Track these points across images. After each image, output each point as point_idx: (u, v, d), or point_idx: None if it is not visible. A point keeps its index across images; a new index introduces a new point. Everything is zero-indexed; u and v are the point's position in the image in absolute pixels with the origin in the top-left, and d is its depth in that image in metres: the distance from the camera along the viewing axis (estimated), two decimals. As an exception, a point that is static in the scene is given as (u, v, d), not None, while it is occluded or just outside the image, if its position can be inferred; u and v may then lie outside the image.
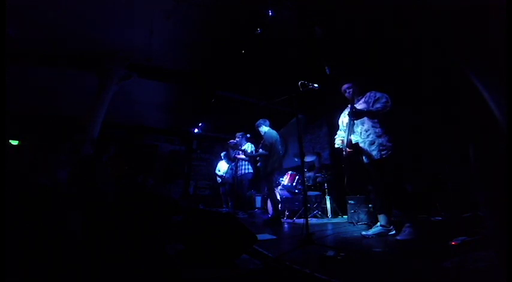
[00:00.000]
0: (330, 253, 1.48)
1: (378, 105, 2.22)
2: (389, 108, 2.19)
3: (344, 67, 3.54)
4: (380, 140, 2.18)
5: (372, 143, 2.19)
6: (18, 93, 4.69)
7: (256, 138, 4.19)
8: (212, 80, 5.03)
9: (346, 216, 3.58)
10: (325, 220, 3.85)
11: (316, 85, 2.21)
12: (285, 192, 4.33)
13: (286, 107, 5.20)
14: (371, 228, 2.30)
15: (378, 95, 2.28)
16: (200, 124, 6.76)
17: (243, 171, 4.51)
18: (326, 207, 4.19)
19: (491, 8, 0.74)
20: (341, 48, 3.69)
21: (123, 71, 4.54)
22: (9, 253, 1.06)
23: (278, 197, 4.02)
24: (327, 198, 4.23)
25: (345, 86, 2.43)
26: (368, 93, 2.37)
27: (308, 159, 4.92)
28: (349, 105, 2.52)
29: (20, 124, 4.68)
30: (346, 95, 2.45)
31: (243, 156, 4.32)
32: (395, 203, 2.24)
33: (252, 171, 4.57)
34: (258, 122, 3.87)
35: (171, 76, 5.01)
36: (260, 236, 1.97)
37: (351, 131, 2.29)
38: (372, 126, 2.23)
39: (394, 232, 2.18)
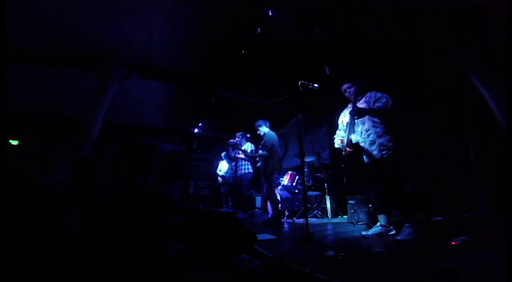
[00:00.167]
0: (330, 253, 1.48)
1: (378, 104, 2.22)
2: (390, 107, 2.20)
3: (344, 67, 3.54)
4: (381, 140, 2.18)
5: (372, 143, 2.19)
6: (18, 93, 4.69)
7: (256, 138, 4.19)
8: (212, 80, 5.03)
9: (346, 216, 3.58)
10: (325, 220, 3.84)
11: (316, 85, 2.21)
12: (285, 192, 4.33)
13: (286, 107, 5.21)
14: (371, 228, 2.30)
15: (379, 94, 2.29)
16: (200, 124, 6.76)
17: (243, 171, 4.51)
18: (326, 207, 4.19)
19: (491, 8, 0.74)
20: (341, 48, 3.69)
21: (123, 71, 4.54)
22: (9, 253, 1.06)
23: (278, 197, 4.03)
24: (327, 198, 4.23)
25: (345, 85, 2.43)
26: (368, 93, 2.37)
27: (307, 159, 4.93)
28: (349, 105, 2.53)
29: (20, 124, 4.68)
30: (346, 94, 2.45)
31: (243, 156, 4.32)
32: (395, 203, 2.24)
33: (252, 171, 4.57)
34: (258, 123, 3.86)
35: (171, 76, 5.01)
36: (260, 236, 1.97)
37: (352, 131, 2.29)
38: (373, 126, 2.23)
39: (394, 232, 2.18)
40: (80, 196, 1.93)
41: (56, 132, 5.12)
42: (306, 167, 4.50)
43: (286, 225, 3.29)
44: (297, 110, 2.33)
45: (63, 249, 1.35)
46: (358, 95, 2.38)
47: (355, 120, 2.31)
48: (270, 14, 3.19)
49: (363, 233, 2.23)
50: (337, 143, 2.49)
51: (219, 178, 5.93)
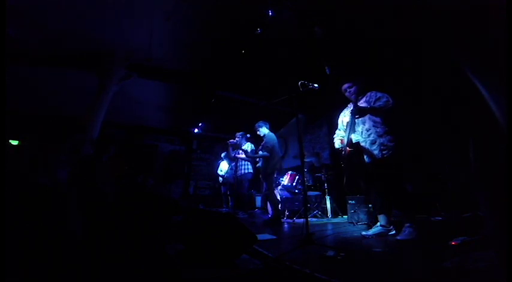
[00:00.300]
0: (330, 253, 1.48)
1: (379, 103, 2.23)
2: (391, 106, 2.20)
3: (344, 67, 3.54)
4: (381, 140, 2.18)
5: (373, 143, 2.19)
6: (18, 93, 4.69)
7: (256, 138, 4.19)
8: (212, 80, 5.03)
9: (346, 216, 3.58)
10: (325, 220, 3.85)
11: (316, 85, 2.21)
12: (285, 192, 4.33)
13: (286, 107, 5.20)
14: (371, 228, 2.30)
15: (379, 94, 2.29)
16: (200, 124, 6.75)
17: (242, 171, 4.51)
18: (326, 207, 4.19)
19: (491, 8, 0.74)
20: (341, 48, 3.69)
21: (123, 71, 4.54)
22: (9, 253, 1.06)
23: (278, 197, 4.03)
24: (327, 198, 4.23)
25: (345, 85, 2.43)
26: (369, 93, 2.37)
27: (307, 159, 4.93)
28: (349, 105, 2.53)
29: (20, 124, 4.68)
30: (347, 94, 2.45)
31: (243, 156, 4.32)
32: (395, 203, 2.24)
33: (251, 171, 4.58)
34: (258, 124, 3.87)
35: (171, 76, 5.01)
36: (260, 236, 1.97)
37: (352, 130, 2.29)
38: (373, 126, 2.23)
39: (394, 232, 2.18)
40: (80, 196, 1.93)
41: (56, 132, 5.12)
42: (306, 167, 4.51)
43: (286, 225, 3.29)
44: (297, 110, 2.33)
45: (63, 249, 1.35)
46: (359, 94, 2.38)
47: (356, 120, 2.30)
48: (270, 14, 3.19)
49: (363, 233, 2.23)
50: (337, 143, 2.49)
51: (220, 178, 5.94)
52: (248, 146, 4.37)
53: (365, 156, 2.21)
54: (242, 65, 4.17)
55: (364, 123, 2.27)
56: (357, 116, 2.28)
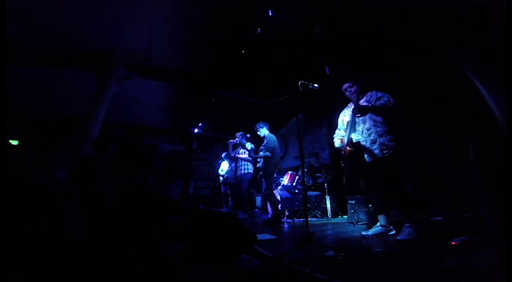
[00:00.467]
0: (330, 253, 1.48)
1: (380, 102, 2.23)
2: (392, 105, 2.20)
3: (344, 67, 3.54)
4: (382, 139, 2.17)
5: (373, 142, 2.19)
6: (18, 93, 4.69)
7: (256, 138, 4.20)
8: (212, 80, 5.03)
9: (346, 216, 3.58)
10: (325, 220, 3.85)
11: (316, 85, 2.21)
12: (285, 192, 4.33)
13: (286, 107, 5.20)
14: (371, 228, 2.30)
15: (379, 94, 2.29)
16: (200, 124, 6.75)
17: (242, 171, 4.51)
18: (326, 207, 4.19)
19: (491, 8, 0.74)
20: (341, 48, 3.69)
21: (123, 71, 4.54)
22: (9, 253, 1.06)
23: (278, 197, 4.03)
24: (327, 198, 4.23)
25: (346, 85, 2.42)
26: (369, 93, 2.37)
27: (307, 159, 4.94)
28: (349, 104, 2.53)
29: (20, 124, 4.68)
30: (347, 93, 2.44)
31: (243, 156, 4.33)
32: (395, 203, 2.24)
33: (251, 171, 4.58)
34: (258, 124, 3.88)
35: (171, 76, 5.01)
36: (260, 236, 1.97)
37: (352, 130, 2.29)
38: (374, 125, 2.23)
39: (394, 232, 2.18)
40: (80, 196, 1.93)
41: (56, 132, 5.12)
42: (305, 167, 4.51)
43: (286, 225, 3.29)
44: (297, 110, 2.33)
45: (63, 249, 1.35)
46: (359, 94, 2.38)
47: (356, 119, 2.30)
48: (270, 14, 3.19)
49: (363, 233, 2.23)
50: (337, 143, 2.49)
51: (221, 178, 5.94)
52: (248, 146, 4.38)
53: (365, 156, 2.20)
54: (242, 65, 4.16)
55: (364, 122, 2.27)
56: (358, 115, 2.28)
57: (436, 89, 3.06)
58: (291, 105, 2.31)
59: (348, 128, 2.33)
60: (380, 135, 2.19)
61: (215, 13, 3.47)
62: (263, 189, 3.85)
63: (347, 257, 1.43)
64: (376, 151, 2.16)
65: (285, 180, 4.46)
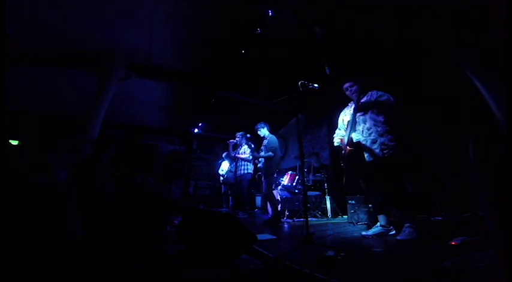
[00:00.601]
0: (330, 253, 1.47)
1: (380, 99, 2.24)
2: (392, 103, 2.22)
3: (344, 67, 3.54)
4: (382, 139, 2.17)
5: (374, 142, 2.19)
6: (18, 93, 4.69)
7: (256, 138, 4.20)
8: (212, 80, 5.03)
9: (346, 216, 3.58)
10: (325, 220, 3.85)
11: (316, 85, 2.21)
12: (285, 192, 4.33)
13: (286, 107, 5.20)
14: (371, 228, 2.30)
15: (380, 93, 2.31)
16: (200, 124, 6.75)
17: (242, 171, 4.51)
18: (326, 207, 4.19)
19: (491, 8, 0.74)
20: (341, 48, 3.69)
21: (123, 71, 4.54)
22: (9, 253, 1.06)
23: (278, 197, 4.03)
24: (327, 198, 4.23)
25: (347, 84, 2.42)
26: (370, 92, 2.37)
27: (307, 159, 4.94)
28: (349, 104, 2.53)
29: (20, 124, 4.68)
30: (348, 93, 2.44)
31: (243, 156, 4.33)
32: (395, 203, 2.24)
33: (251, 171, 4.58)
34: (259, 124, 3.89)
35: (171, 76, 5.01)
36: (260, 236, 1.97)
37: (353, 129, 2.29)
38: (374, 125, 2.23)
39: (394, 232, 2.18)
40: (80, 196, 1.93)
41: (56, 132, 5.12)
42: (305, 167, 4.51)
43: (286, 225, 3.29)
44: (297, 110, 2.33)
45: (63, 249, 1.35)
46: (360, 93, 2.38)
47: (357, 119, 2.30)
48: (270, 14, 3.19)
49: (363, 233, 2.23)
50: (336, 142, 2.49)
51: (221, 177, 5.95)
52: (248, 146, 4.38)
53: (366, 155, 2.20)
54: (242, 65, 4.16)
55: (365, 122, 2.27)
56: (359, 114, 2.29)
57: (436, 89, 3.06)
58: (291, 105, 2.31)
59: (348, 128, 2.33)
60: (380, 135, 2.19)
61: (215, 13, 3.47)
62: (263, 189, 3.86)
63: (347, 257, 1.43)
64: (377, 151, 2.15)
65: (285, 180, 4.46)
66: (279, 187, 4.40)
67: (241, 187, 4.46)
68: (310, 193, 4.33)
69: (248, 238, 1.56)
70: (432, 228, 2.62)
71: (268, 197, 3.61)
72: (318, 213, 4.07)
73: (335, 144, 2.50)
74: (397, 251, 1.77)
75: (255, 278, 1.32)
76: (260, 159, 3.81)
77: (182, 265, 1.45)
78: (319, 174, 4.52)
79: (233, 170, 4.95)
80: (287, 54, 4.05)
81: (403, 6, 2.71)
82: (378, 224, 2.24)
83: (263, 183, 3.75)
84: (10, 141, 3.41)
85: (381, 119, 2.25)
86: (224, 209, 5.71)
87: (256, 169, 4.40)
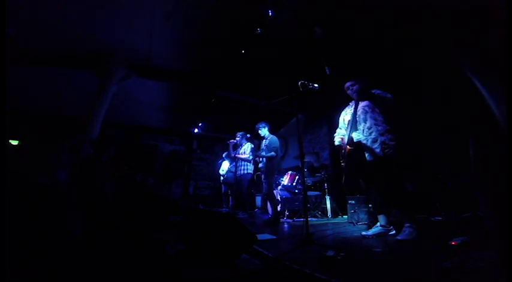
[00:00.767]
0: (330, 253, 1.47)
1: (377, 94, 2.27)
2: (390, 99, 2.24)
3: (344, 67, 3.54)
4: (383, 138, 2.17)
5: (374, 141, 2.19)
6: (18, 93, 4.69)
7: (256, 138, 4.20)
8: (212, 80, 5.03)
9: (346, 216, 3.58)
10: (325, 220, 3.85)
11: (316, 85, 2.21)
12: (285, 192, 4.33)
13: (286, 107, 5.20)
14: (371, 228, 2.30)
15: (378, 91, 2.33)
16: (200, 124, 6.75)
17: (242, 171, 4.51)
18: (326, 207, 4.19)
19: (491, 8, 0.74)
20: (341, 48, 3.69)
21: (123, 71, 4.54)
22: (9, 253, 1.06)
23: (278, 197, 4.03)
24: (327, 198, 4.23)
25: (348, 83, 2.42)
26: (371, 91, 2.38)
27: (307, 159, 4.94)
28: (350, 103, 2.53)
29: (20, 124, 4.68)
30: (349, 92, 2.44)
31: (243, 156, 4.33)
32: (395, 203, 2.24)
33: (251, 171, 4.58)
34: (261, 124, 3.90)
35: (171, 76, 5.01)
36: (260, 236, 1.97)
37: (353, 129, 2.29)
38: (375, 124, 2.23)
39: (394, 232, 2.17)
40: (80, 196, 1.93)
41: (56, 132, 5.12)
42: (305, 167, 4.51)
43: (286, 225, 3.29)
44: (297, 110, 2.33)
45: (63, 249, 1.35)
46: (361, 93, 2.38)
47: (357, 118, 2.31)
48: (270, 14, 3.19)
49: (363, 233, 2.23)
50: (337, 141, 2.48)
51: (221, 177, 5.95)
52: (248, 146, 4.38)
53: (366, 155, 2.20)
54: (242, 65, 4.16)
55: (365, 121, 2.27)
56: (359, 113, 2.30)
57: (436, 88, 3.06)
58: (291, 105, 2.31)
59: (349, 127, 2.33)
60: (381, 134, 2.19)
61: (215, 13, 3.47)
62: (263, 189, 3.86)
63: (347, 257, 1.43)
64: (377, 150, 2.15)
65: (285, 180, 4.46)
66: (279, 187, 4.40)
67: (241, 187, 4.46)
68: (310, 193, 4.33)
69: (248, 238, 1.56)
70: (432, 228, 2.62)
71: (269, 197, 3.61)
72: (318, 213, 4.07)
73: (336, 143, 2.50)
74: (397, 251, 1.77)
75: (255, 278, 1.32)
76: (261, 159, 3.82)
77: (182, 265, 1.45)
78: (319, 174, 4.51)
79: (233, 170, 4.95)
80: (287, 54, 4.05)
81: (403, 6, 2.71)
82: (378, 224, 2.24)
83: (263, 183, 3.75)
84: (10, 141, 3.41)
85: (381, 118, 2.25)
86: (224, 209, 5.70)
87: (256, 169, 4.40)
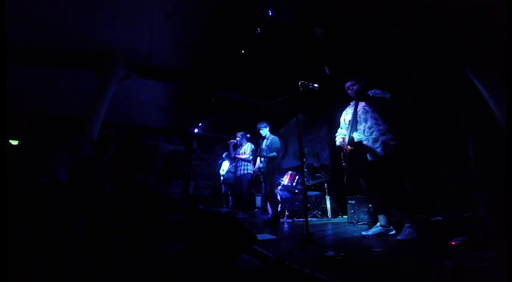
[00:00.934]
0: (330, 253, 1.47)
1: (376, 95, 2.26)
2: (390, 100, 2.23)
3: (344, 67, 3.54)
4: (384, 138, 2.17)
5: (375, 141, 2.18)
6: (18, 93, 4.69)
7: (256, 138, 4.20)
8: (212, 80, 5.03)
9: (346, 216, 3.58)
10: (325, 220, 3.85)
11: (316, 85, 2.21)
12: (285, 192, 4.32)
13: (286, 107, 5.20)
14: (371, 228, 2.30)
15: (378, 91, 2.33)
16: (200, 124, 6.75)
17: (242, 171, 4.52)
18: (326, 207, 4.19)
19: (491, 8, 0.74)
20: (341, 48, 3.69)
21: (123, 71, 4.54)
22: (9, 253, 1.06)
23: (278, 197, 4.03)
24: (327, 198, 4.23)
25: (348, 83, 2.42)
26: (369, 91, 2.38)
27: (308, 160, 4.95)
28: (351, 103, 2.53)
29: (20, 124, 4.68)
30: (349, 92, 2.44)
31: (243, 157, 4.33)
32: (395, 203, 2.24)
33: (251, 171, 4.58)
34: (262, 123, 3.90)
35: (171, 76, 5.01)
36: (260, 236, 1.97)
37: (354, 129, 2.29)
38: (375, 124, 2.23)
39: (394, 232, 2.17)
40: (80, 196, 1.93)
41: (56, 132, 5.12)
42: (305, 167, 4.51)
43: (286, 225, 3.29)
44: (297, 110, 2.33)
45: (63, 249, 1.35)
46: (361, 93, 2.38)
47: (358, 118, 2.31)
48: (270, 14, 3.19)
49: (363, 233, 2.23)
50: (338, 141, 2.49)
51: (221, 177, 5.95)
52: (248, 146, 4.38)
53: (368, 155, 2.20)
54: (242, 65, 4.16)
55: (366, 121, 2.27)
56: (360, 113, 2.30)
57: (436, 88, 3.06)
58: (291, 105, 2.31)
59: (349, 127, 2.33)
60: (382, 134, 2.19)
61: (215, 13, 3.47)
62: (263, 189, 3.86)
63: (347, 257, 1.43)
64: (379, 150, 2.15)
65: (285, 180, 4.46)
66: (279, 187, 4.40)
67: (241, 187, 4.46)
68: (310, 193, 4.33)
69: (248, 238, 1.56)
70: (432, 228, 2.62)
71: (270, 197, 3.61)
72: (318, 213, 4.07)
73: (337, 143, 2.50)
74: (397, 251, 1.77)
75: (255, 278, 1.32)
76: (262, 159, 3.82)
77: (182, 265, 1.45)
78: (319, 174, 4.51)
79: (233, 170, 4.95)
80: (287, 54, 4.05)
81: (403, 6, 2.71)
82: (378, 224, 2.24)
83: (263, 183, 3.75)
84: (10, 141, 3.41)
85: (381, 118, 2.25)
86: (224, 209, 5.71)
87: (258, 169, 4.40)
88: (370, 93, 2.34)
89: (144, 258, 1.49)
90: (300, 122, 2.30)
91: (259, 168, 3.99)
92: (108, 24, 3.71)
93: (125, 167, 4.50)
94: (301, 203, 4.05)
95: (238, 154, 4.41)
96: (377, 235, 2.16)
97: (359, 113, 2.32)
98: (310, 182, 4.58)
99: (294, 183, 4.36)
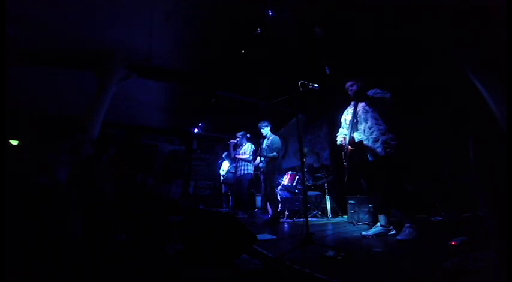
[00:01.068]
0: (330, 253, 1.47)
1: (376, 96, 2.26)
2: (388, 99, 2.23)
3: (344, 67, 3.54)
4: (384, 137, 2.17)
5: (376, 140, 2.18)
6: (18, 93, 4.69)
7: (257, 138, 4.20)
8: (212, 80, 5.03)
9: (346, 216, 3.58)
10: (325, 220, 3.85)
11: (316, 85, 2.21)
12: (285, 192, 4.33)
13: (286, 107, 5.20)
14: (371, 228, 2.30)
15: (378, 91, 2.33)
16: (200, 124, 6.76)
17: (242, 171, 4.52)
18: (326, 207, 4.19)
19: (491, 8, 0.74)
20: (341, 48, 3.69)
21: (123, 71, 4.54)
22: (9, 253, 1.06)
23: (278, 197, 4.03)
24: (327, 198, 4.23)
25: (348, 83, 2.43)
26: (370, 91, 2.38)
27: (308, 160, 4.94)
28: (351, 103, 2.53)
29: (20, 124, 4.68)
30: (349, 92, 2.44)
31: (243, 157, 4.33)
32: (395, 203, 2.24)
33: (251, 171, 4.58)
34: (263, 123, 3.89)
35: (171, 76, 5.01)
36: (260, 236, 1.97)
37: (354, 129, 2.29)
38: (376, 124, 2.23)
39: (394, 232, 2.18)
40: (80, 196, 1.93)
41: (56, 132, 5.12)
42: (305, 167, 4.51)
43: (286, 225, 3.29)
44: (297, 110, 2.33)
45: (63, 249, 1.35)
46: (359, 93, 2.38)
47: (358, 118, 2.31)
48: (270, 14, 3.19)
49: (363, 233, 2.23)
50: (339, 140, 2.49)
51: (221, 177, 5.96)
52: (248, 146, 4.38)
53: (368, 155, 2.20)
54: (242, 65, 4.16)
55: (366, 121, 2.27)
56: (360, 113, 2.30)
57: (436, 89, 3.06)
58: (291, 105, 2.31)
59: (350, 127, 2.33)
60: (382, 134, 2.19)
61: (215, 13, 3.47)
62: (263, 189, 3.86)
63: (347, 257, 1.43)
64: (379, 150, 2.15)
65: (285, 180, 4.46)
66: (279, 187, 4.40)
67: (241, 187, 4.46)
68: (310, 193, 4.33)
69: (248, 238, 1.56)
70: (432, 228, 2.62)
71: (270, 197, 3.61)
72: (318, 213, 4.07)
73: (338, 143, 2.51)
74: (397, 251, 1.77)
75: (255, 278, 1.32)
76: (261, 159, 3.82)
77: (182, 265, 1.45)
78: (319, 174, 4.51)
79: (233, 170, 4.95)
80: (287, 54, 4.05)
81: (403, 6, 2.71)
82: (378, 224, 2.24)
83: (262, 183, 3.75)
84: (10, 141, 3.41)
85: (381, 118, 2.25)
86: (224, 209, 5.71)
87: (258, 169, 4.40)
88: (370, 93, 2.34)
89: (144, 258, 1.49)
90: (300, 122, 2.30)
91: (259, 166, 4.00)
92: (108, 24, 3.71)
93: (125, 167, 4.50)
94: (301, 203, 4.05)
95: (238, 154, 4.40)
96: (377, 235, 2.16)
97: (359, 112, 2.32)
98: (310, 182, 4.58)
99: (294, 183, 4.36)
